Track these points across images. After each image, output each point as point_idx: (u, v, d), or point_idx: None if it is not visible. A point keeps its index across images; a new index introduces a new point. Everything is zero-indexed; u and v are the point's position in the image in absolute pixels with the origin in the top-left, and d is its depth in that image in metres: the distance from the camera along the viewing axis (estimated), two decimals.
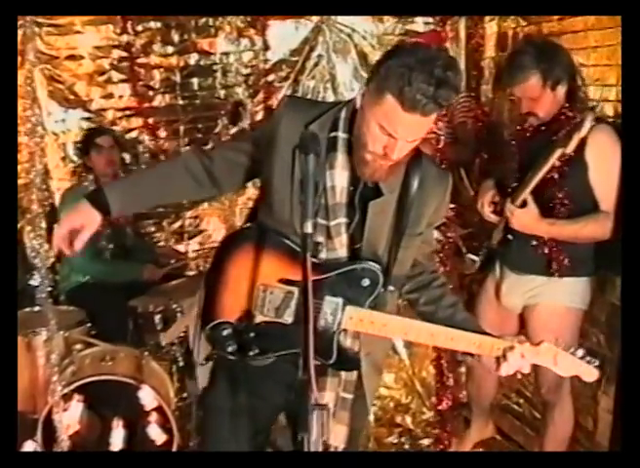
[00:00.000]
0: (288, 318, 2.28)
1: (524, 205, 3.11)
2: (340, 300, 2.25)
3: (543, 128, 3.19)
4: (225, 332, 2.35)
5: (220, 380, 2.56)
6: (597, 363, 2.34)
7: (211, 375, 2.60)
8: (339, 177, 2.22)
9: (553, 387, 3.35)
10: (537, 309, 3.33)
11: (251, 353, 2.32)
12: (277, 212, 2.29)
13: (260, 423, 2.51)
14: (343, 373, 2.37)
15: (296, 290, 2.26)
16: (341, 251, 2.28)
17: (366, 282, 2.25)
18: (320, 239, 2.26)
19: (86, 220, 2.35)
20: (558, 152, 2.94)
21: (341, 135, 2.20)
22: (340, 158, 2.21)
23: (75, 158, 4.74)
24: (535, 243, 3.20)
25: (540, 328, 3.27)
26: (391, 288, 2.30)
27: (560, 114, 3.14)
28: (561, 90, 3.12)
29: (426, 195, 2.28)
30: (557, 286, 3.23)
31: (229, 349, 2.34)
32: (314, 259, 2.16)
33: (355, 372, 2.39)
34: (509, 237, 3.29)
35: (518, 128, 3.36)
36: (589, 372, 2.32)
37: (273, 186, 2.28)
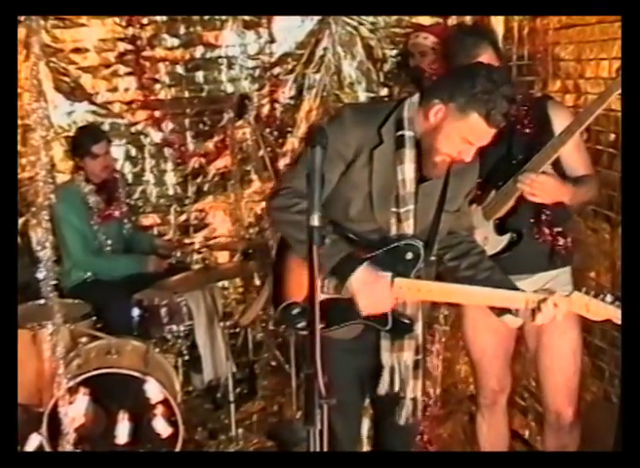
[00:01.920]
0: (346, 293, 2.53)
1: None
2: (389, 273, 2.51)
3: None
4: (295, 311, 2.64)
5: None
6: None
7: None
8: (407, 171, 2.51)
9: (566, 402, 3.18)
10: None
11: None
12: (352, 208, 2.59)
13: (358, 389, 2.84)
14: (417, 338, 2.67)
15: None
16: (409, 231, 2.57)
17: (409, 255, 2.55)
18: (393, 222, 2.56)
19: None
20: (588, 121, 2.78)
21: (408, 133, 2.51)
22: (409, 153, 2.50)
23: None
24: (533, 233, 3.05)
25: (552, 332, 3.10)
26: (432, 258, 2.62)
27: None
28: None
29: (462, 177, 2.63)
30: (563, 278, 3.11)
31: (299, 326, 2.64)
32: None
33: (421, 336, 2.70)
34: (514, 238, 3.06)
35: None
36: (618, 316, 2.48)
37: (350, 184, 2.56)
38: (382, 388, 2.67)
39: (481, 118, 2.39)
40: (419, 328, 2.68)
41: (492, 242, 3.03)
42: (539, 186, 2.85)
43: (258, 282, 4.95)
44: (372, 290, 2.48)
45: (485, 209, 3.02)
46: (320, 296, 2.38)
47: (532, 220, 3.04)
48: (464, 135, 2.43)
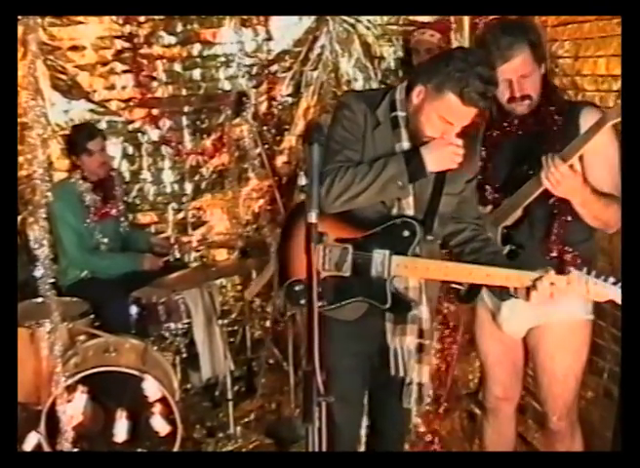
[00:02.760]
0: (346, 271, 2.65)
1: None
2: (386, 251, 2.62)
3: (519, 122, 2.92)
4: (297, 288, 2.69)
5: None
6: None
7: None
8: (406, 148, 2.62)
9: (565, 413, 3.09)
10: (549, 328, 3.01)
11: (319, 304, 2.55)
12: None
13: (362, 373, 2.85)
14: (423, 322, 2.72)
15: (350, 246, 2.65)
16: (409, 211, 2.66)
17: (406, 233, 2.63)
18: (387, 201, 2.65)
19: None
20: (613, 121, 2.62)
21: (400, 113, 2.63)
22: (404, 132, 2.63)
23: None
24: (542, 248, 2.89)
25: (556, 347, 3.00)
26: (430, 237, 2.66)
27: (542, 100, 2.88)
28: (542, 69, 2.88)
29: (462, 161, 2.62)
30: (567, 297, 2.76)
31: (301, 302, 2.65)
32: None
33: (429, 322, 2.74)
34: (518, 250, 2.92)
35: (493, 132, 2.99)
36: (618, 296, 2.46)
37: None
38: (392, 371, 2.73)
39: (456, 96, 2.46)
40: (422, 311, 2.72)
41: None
42: (565, 180, 2.67)
43: None
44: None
45: (497, 214, 2.95)
46: (322, 274, 2.67)
47: (542, 238, 2.89)
48: (442, 114, 2.52)
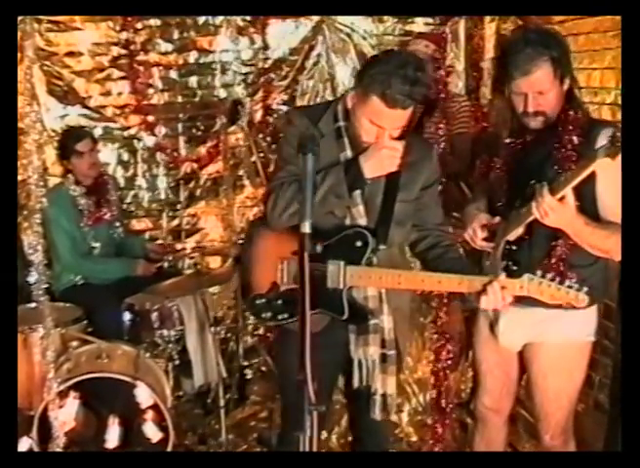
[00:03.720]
0: None
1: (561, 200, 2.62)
2: (341, 262, 2.62)
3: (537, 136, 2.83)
4: (259, 302, 2.76)
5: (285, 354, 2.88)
6: (586, 289, 2.45)
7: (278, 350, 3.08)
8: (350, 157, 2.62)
9: (558, 432, 3.05)
10: (544, 347, 2.96)
11: (280, 317, 2.73)
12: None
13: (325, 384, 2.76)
14: (386, 332, 2.73)
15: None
16: (362, 220, 2.67)
17: (359, 243, 2.62)
18: (337, 211, 2.66)
19: None
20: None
21: (342, 123, 2.66)
22: (347, 141, 2.64)
23: None
24: (543, 271, 2.71)
25: (549, 367, 2.96)
26: (383, 246, 2.64)
27: (561, 116, 2.76)
28: (565, 85, 2.75)
29: (417, 168, 2.70)
30: (569, 317, 2.81)
31: (264, 316, 2.76)
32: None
33: (393, 332, 2.75)
34: (512, 267, 2.83)
35: (512, 139, 2.91)
36: (578, 298, 2.46)
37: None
38: (355, 382, 2.75)
39: (379, 99, 2.45)
40: (384, 321, 2.72)
41: (494, 264, 2.89)
42: (555, 213, 2.59)
43: None
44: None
45: (502, 227, 2.84)
46: (282, 287, 2.73)
47: (546, 261, 2.80)
48: (370, 117, 2.52)
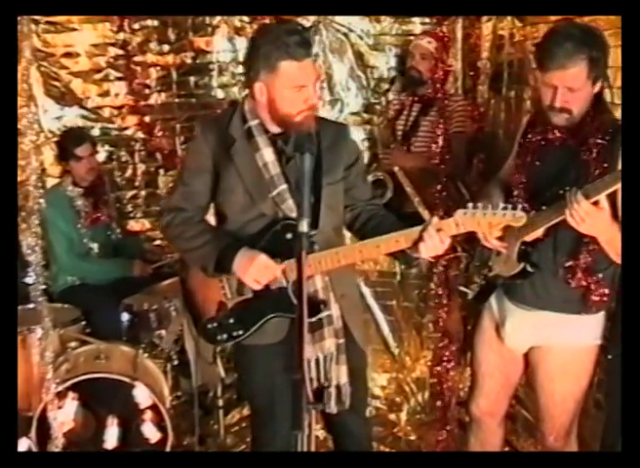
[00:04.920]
0: (247, 293, 2.69)
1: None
2: (278, 260, 2.60)
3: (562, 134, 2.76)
4: (211, 327, 2.75)
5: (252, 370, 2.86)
6: (521, 207, 2.48)
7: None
8: (266, 155, 2.64)
9: (562, 434, 3.04)
10: (553, 351, 2.92)
11: (235, 334, 2.72)
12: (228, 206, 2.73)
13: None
14: (335, 322, 2.71)
15: None
16: (293, 213, 2.63)
17: (289, 235, 2.59)
18: (266, 211, 2.66)
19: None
20: None
21: (252, 122, 2.66)
22: (260, 140, 2.65)
23: None
24: (566, 275, 2.76)
25: (556, 371, 2.93)
26: (314, 231, 2.53)
27: (587, 119, 2.70)
28: (596, 88, 2.68)
29: (336, 149, 2.72)
30: (578, 321, 2.82)
31: (219, 338, 2.74)
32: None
33: (341, 319, 2.74)
34: (529, 269, 2.79)
35: (532, 136, 2.88)
36: (516, 217, 2.47)
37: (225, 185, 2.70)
38: (314, 382, 2.71)
39: (287, 60, 2.48)
40: (333, 309, 2.72)
41: (509, 264, 2.84)
42: (591, 218, 2.51)
43: None
44: (252, 266, 2.57)
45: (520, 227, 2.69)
46: (229, 304, 2.72)
47: (567, 264, 2.76)
48: (289, 84, 2.52)
